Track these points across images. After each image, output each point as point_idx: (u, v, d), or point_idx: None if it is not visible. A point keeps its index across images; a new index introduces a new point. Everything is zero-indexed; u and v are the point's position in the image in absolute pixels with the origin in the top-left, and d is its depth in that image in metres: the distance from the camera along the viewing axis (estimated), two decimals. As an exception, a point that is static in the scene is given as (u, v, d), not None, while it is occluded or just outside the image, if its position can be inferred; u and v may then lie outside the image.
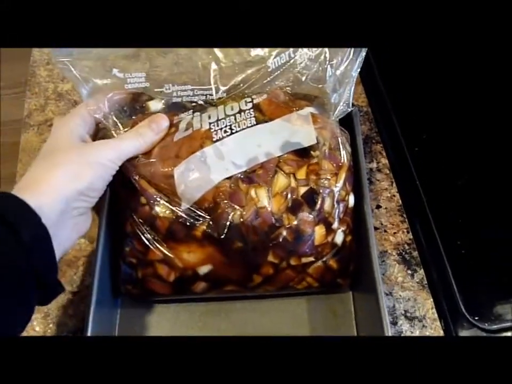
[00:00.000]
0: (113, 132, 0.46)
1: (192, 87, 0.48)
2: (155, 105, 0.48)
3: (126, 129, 0.46)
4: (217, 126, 0.46)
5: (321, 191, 0.44)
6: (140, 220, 0.45)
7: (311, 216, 0.44)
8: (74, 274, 0.53)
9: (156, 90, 0.48)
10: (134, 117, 0.47)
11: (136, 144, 0.44)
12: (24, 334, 0.39)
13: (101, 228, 0.47)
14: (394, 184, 0.59)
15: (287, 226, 0.44)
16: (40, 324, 0.51)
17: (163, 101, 0.48)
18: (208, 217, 0.44)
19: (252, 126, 0.46)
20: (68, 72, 0.46)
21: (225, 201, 0.43)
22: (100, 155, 0.42)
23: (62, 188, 0.39)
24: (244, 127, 0.46)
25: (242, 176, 0.44)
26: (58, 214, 0.38)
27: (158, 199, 0.44)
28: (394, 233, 0.56)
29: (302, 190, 0.44)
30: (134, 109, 0.48)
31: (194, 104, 0.49)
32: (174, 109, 0.48)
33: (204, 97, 0.49)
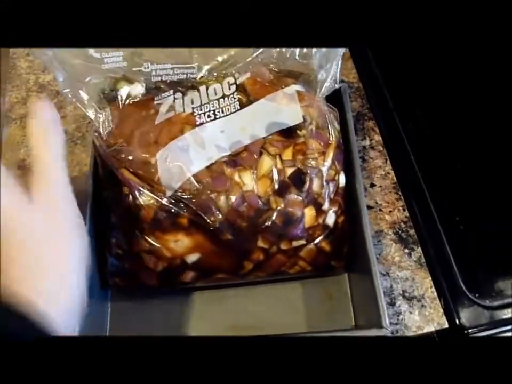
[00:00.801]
0: (93, 119, 0.45)
1: (172, 65, 0.46)
2: (136, 89, 0.47)
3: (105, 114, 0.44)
4: (201, 110, 0.45)
5: (308, 171, 0.43)
6: (123, 211, 0.44)
7: (300, 197, 0.43)
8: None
9: (134, 69, 0.46)
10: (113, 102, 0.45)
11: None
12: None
13: (86, 220, 0.46)
14: (388, 161, 0.57)
15: (275, 209, 0.42)
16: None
17: (142, 84, 0.46)
18: (193, 204, 0.42)
19: (236, 111, 0.44)
20: (43, 55, 0.44)
21: (210, 187, 0.42)
22: None
23: None
24: (227, 112, 0.44)
25: (226, 160, 0.43)
26: None
27: (141, 188, 0.43)
28: (390, 211, 0.54)
29: (289, 171, 0.43)
30: (114, 93, 0.46)
31: (175, 84, 0.47)
32: (154, 92, 0.47)
33: (184, 76, 0.47)
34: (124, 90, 0.46)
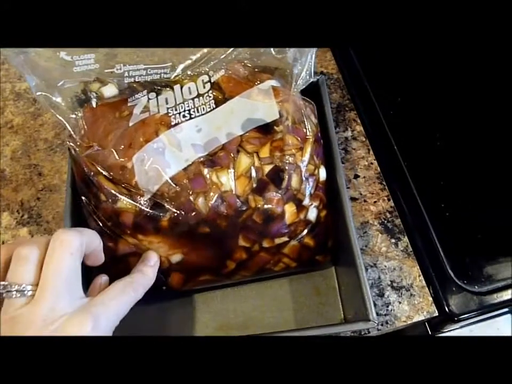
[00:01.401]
0: (66, 124, 0.44)
1: (145, 66, 0.46)
2: (109, 90, 0.46)
3: (78, 118, 0.44)
4: (176, 110, 0.44)
5: (286, 167, 0.42)
6: (103, 217, 0.43)
7: (279, 195, 0.42)
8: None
9: (106, 71, 0.45)
10: (86, 105, 0.45)
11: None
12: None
13: (66, 227, 0.45)
14: (371, 152, 0.57)
15: (255, 208, 0.42)
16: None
17: (116, 85, 0.46)
18: (172, 206, 0.42)
19: (211, 110, 0.44)
20: (15, 59, 0.43)
21: (188, 189, 0.41)
22: None
23: None
24: (203, 112, 0.44)
25: (203, 160, 0.42)
26: None
27: (118, 195, 0.42)
28: (375, 202, 0.54)
29: (267, 168, 0.42)
30: (86, 96, 0.46)
31: (148, 84, 0.46)
32: (128, 93, 0.46)
33: (158, 76, 0.46)
34: (96, 92, 0.46)
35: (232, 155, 0.42)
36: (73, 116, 0.45)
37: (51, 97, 0.44)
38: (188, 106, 0.44)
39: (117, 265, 0.45)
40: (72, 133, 0.44)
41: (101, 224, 0.44)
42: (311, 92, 0.48)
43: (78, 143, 0.44)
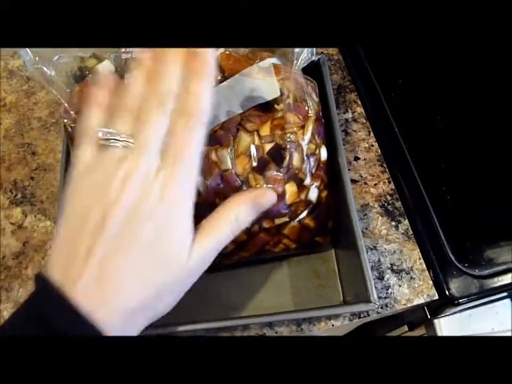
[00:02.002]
0: (61, 99, 0.43)
1: None
2: (104, 67, 0.44)
3: (73, 94, 0.42)
4: None
5: (288, 146, 0.41)
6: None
7: (280, 174, 0.41)
8: (42, 259, 0.50)
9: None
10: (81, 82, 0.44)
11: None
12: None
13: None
14: (371, 134, 0.56)
15: (255, 187, 0.41)
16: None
17: (112, 62, 0.44)
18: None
19: None
20: None
21: None
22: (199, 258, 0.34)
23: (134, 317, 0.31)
24: None
25: None
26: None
27: None
28: (375, 184, 0.53)
29: (267, 147, 0.41)
30: (82, 73, 0.44)
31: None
32: (124, 68, 0.45)
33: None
34: (92, 68, 0.44)
35: (232, 133, 0.41)
36: (69, 91, 0.43)
37: (46, 71, 0.42)
38: None
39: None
40: (68, 108, 0.42)
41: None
42: (312, 71, 0.47)
43: (74, 119, 0.42)
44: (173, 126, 0.32)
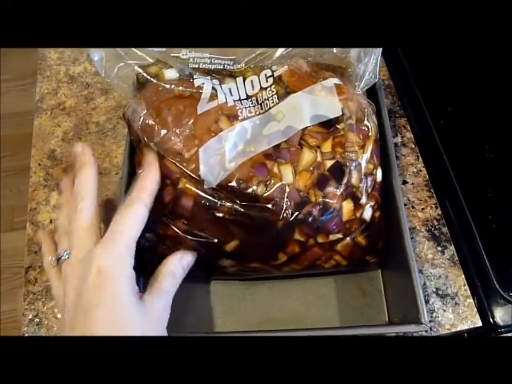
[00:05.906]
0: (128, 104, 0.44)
1: (210, 55, 0.46)
2: (170, 73, 0.45)
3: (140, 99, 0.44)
4: (241, 104, 0.44)
5: (348, 164, 0.42)
6: (168, 200, 0.43)
7: (338, 190, 0.42)
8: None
9: (172, 55, 0.45)
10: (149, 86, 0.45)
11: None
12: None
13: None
14: (420, 159, 0.57)
15: (314, 202, 0.42)
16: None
17: (178, 70, 0.45)
18: (233, 196, 0.42)
19: (274, 105, 0.44)
20: None
21: (250, 180, 0.41)
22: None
23: None
24: (266, 108, 0.44)
25: (267, 153, 0.42)
26: None
27: (183, 178, 0.42)
28: (423, 209, 0.54)
29: (328, 163, 0.42)
30: (142, 81, 0.45)
31: (211, 72, 0.46)
32: (188, 77, 0.46)
33: (221, 67, 0.46)
34: (153, 75, 0.45)
35: (295, 149, 0.42)
36: (135, 96, 0.45)
37: (112, 74, 0.44)
38: (252, 103, 0.44)
39: (167, 243, 0.45)
40: (135, 114, 0.43)
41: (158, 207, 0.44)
42: (367, 95, 0.48)
43: (140, 126, 0.44)
44: None
